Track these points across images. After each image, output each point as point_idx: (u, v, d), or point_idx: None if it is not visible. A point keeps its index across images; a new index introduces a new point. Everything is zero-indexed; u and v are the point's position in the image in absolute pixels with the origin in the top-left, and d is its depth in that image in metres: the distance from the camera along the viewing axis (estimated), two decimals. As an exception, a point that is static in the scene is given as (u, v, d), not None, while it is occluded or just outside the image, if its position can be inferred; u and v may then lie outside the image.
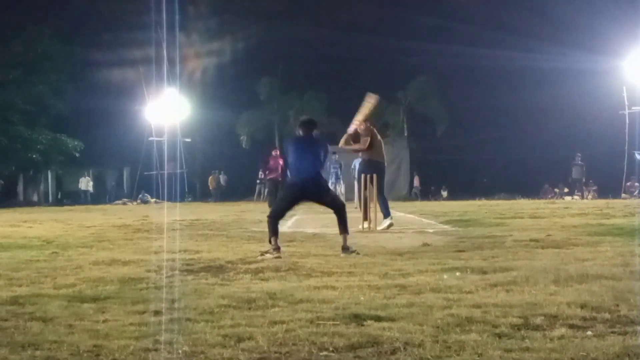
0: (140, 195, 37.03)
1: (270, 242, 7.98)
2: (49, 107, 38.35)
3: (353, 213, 12.49)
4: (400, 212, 17.02)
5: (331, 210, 8.45)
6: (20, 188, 43.03)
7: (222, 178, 42.00)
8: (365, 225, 11.88)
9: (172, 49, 33.31)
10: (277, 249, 7.86)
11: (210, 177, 41.95)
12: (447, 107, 42.36)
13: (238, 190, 40.60)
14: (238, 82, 42.26)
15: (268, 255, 7.63)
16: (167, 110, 35.65)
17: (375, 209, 11.99)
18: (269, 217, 8.29)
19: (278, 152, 25.01)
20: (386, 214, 12.12)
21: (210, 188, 41.85)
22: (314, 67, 43.60)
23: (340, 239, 8.14)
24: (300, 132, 8.70)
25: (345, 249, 7.99)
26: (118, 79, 37.59)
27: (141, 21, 36.95)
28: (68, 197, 42.05)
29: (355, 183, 27.89)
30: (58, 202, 39.23)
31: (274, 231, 8.05)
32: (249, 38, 41.89)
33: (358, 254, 7.79)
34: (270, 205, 23.14)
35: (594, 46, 33.73)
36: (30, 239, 10.12)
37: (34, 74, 37.36)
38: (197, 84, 42.10)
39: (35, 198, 42.55)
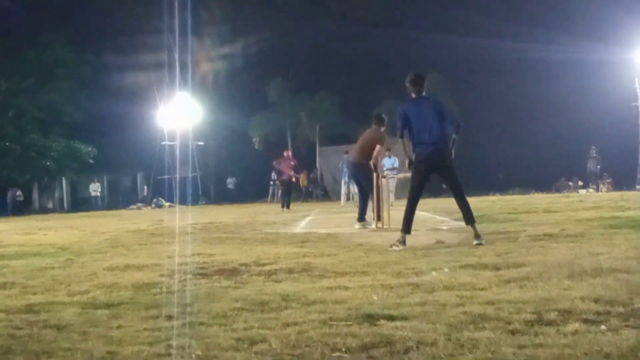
0: (154, 200, 37.15)
1: (402, 231, 8.31)
2: (62, 114, 38.67)
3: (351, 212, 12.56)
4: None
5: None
6: (35, 195, 43.33)
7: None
8: (379, 224, 11.92)
9: (184, 53, 33.43)
10: (403, 242, 8.16)
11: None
12: (459, 102, 42.25)
13: (251, 192, 40.63)
14: (250, 84, 42.34)
15: (395, 248, 7.98)
16: (179, 114, 35.77)
17: (387, 208, 12.10)
18: (408, 200, 8.56)
19: (290, 154, 25.07)
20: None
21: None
22: (325, 68, 43.61)
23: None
24: (412, 93, 8.64)
25: (478, 236, 8.15)
26: (130, 85, 37.77)
27: (152, 26, 37.11)
28: (83, 203, 42.24)
29: (342, 182, 27.93)
30: (73, 209, 39.40)
31: (407, 225, 8.35)
32: (260, 40, 41.91)
33: (482, 244, 7.98)
34: (283, 207, 23.21)
35: (606, 37, 33.63)
36: (45, 246, 10.17)
37: (47, 82, 37.67)
38: (208, 87, 42.23)
39: (50, 205, 42.88)
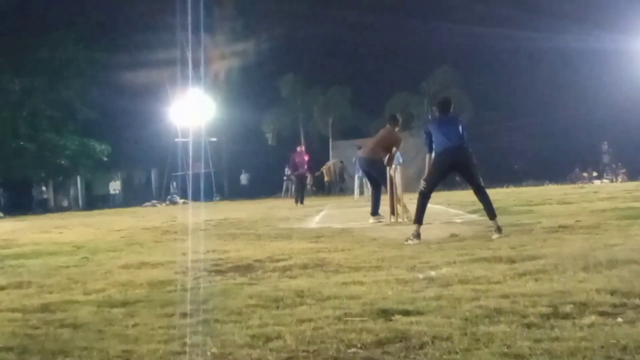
0: (168, 197, 37.23)
1: (415, 222, 8.50)
2: (76, 112, 38.71)
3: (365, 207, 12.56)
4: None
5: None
6: (50, 194, 43.53)
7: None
8: (393, 219, 11.95)
9: (196, 50, 33.45)
10: (418, 235, 8.22)
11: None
12: (471, 94, 42.04)
13: (265, 187, 40.64)
14: (262, 80, 42.29)
15: (409, 242, 8.05)
16: (192, 110, 35.78)
17: (402, 202, 12.17)
18: (420, 193, 8.72)
19: (303, 148, 25.06)
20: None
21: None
22: (336, 61, 43.51)
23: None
24: (437, 113, 9.20)
25: (499, 229, 8.29)
26: (143, 82, 37.69)
27: (164, 23, 37.20)
28: (98, 201, 42.38)
29: (356, 177, 27.86)
30: (88, 207, 39.52)
31: (419, 217, 8.50)
32: (272, 36, 41.87)
33: (504, 235, 8.14)
34: (297, 202, 23.19)
35: (622, 26, 33.30)
36: (61, 245, 10.19)
37: (59, 81, 37.67)
38: (221, 83, 42.23)
39: (65, 203, 43.05)
